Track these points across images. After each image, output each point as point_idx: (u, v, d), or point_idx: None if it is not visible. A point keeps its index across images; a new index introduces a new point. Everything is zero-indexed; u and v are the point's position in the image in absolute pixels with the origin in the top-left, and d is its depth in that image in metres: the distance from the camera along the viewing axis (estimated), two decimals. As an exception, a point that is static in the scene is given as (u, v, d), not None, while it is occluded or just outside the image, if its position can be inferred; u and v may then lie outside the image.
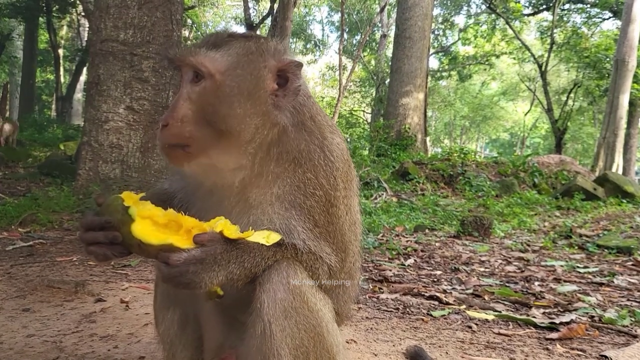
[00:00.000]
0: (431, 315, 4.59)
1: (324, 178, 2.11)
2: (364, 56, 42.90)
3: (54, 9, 27.55)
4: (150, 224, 1.88)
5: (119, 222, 1.89)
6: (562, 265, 6.92)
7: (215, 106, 2.02)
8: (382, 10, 35.59)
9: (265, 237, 1.96)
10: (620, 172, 24.41)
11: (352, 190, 2.30)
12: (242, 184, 2.11)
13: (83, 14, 25.98)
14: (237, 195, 2.13)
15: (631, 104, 27.89)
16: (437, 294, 5.21)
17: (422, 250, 7.80)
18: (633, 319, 4.51)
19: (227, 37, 2.11)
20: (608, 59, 32.36)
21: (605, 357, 3.55)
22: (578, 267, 6.84)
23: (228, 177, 2.11)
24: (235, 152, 2.06)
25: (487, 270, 6.68)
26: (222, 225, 1.89)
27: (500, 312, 4.70)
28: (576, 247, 8.44)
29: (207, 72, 2.02)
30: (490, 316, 4.56)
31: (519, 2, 37.63)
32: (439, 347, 3.75)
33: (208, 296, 1.92)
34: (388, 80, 28.53)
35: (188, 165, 2.08)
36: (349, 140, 24.42)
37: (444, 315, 4.59)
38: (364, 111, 44.75)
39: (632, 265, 6.99)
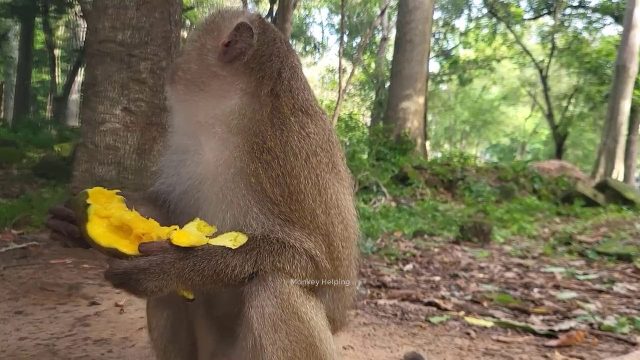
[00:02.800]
0: (429, 321, 4.57)
1: (271, 141, 2.04)
2: (364, 59, 42.88)
3: (51, 9, 27.45)
4: (105, 224, 1.92)
5: (78, 219, 1.95)
6: (561, 272, 6.90)
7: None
8: (382, 13, 35.56)
9: (232, 240, 1.91)
10: (620, 178, 24.42)
11: (329, 173, 2.16)
12: (208, 154, 2.14)
13: (81, 14, 25.91)
14: (208, 177, 2.11)
15: (632, 110, 27.88)
16: (436, 300, 5.19)
17: (421, 256, 7.78)
18: (632, 327, 4.48)
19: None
20: (609, 65, 32.40)
21: (605, 365, 3.52)
22: (577, 274, 6.82)
23: (197, 134, 2.19)
24: (199, 105, 2.19)
25: (486, 276, 6.65)
26: (178, 233, 1.87)
27: (499, 319, 4.68)
28: (576, 254, 8.41)
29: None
30: (489, 323, 4.54)
31: (519, 6, 37.74)
32: (437, 353, 3.72)
33: (179, 300, 1.92)
34: (388, 83, 28.52)
35: (173, 89, 2.28)
36: (347, 144, 24.34)
37: (443, 321, 4.57)
38: (363, 115, 44.75)
39: (632, 272, 6.96)
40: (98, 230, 1.90)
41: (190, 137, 2.22)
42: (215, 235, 1.93)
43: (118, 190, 2.09)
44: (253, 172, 2.00)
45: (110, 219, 1.92)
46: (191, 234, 1.88)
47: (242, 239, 1.91)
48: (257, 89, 2.15)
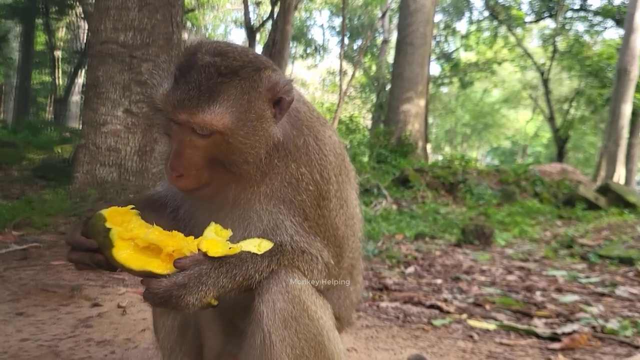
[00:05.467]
0: (432, 324, 4.56)
1: (317, 173, 2.10)
2: (365, 62, 42.88)
3: (52, 10, 27.42)
4: (131, 247, 1.88)
5: (101, 245, 1.90)
6: (563, 275, 6.88)
7: (228, 153, 1.99)
8: (383, 15, 35.65)
9: (256, 245, 1.93)
10: (622, 181, 24.37)
11: (347, 184, 2.27)
12: (236, 189, 2.11)
13: (82, 15, 25.89)
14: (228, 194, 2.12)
15: (633, 113, 27.84)
16: (438, 303, 5.18)
17: (422, 259, 7.77)
18: (635, 330, 4.47)
19: (217, 80, 1.94)
20: (610, 68, 32.36)
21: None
22: (579, 277, 6.80)
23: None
24: (244, 174, 2.06)
25: (488, 279, 6.64)
26: (208, 243, 1.87)
27: (501, 321, 4.67)
28: (578, 257, 8.39)
29: (216, 130, 1.95)
30: (491, 326, 4.53)
31: (521, 9, 37.73)
32: (441, 356, 3.71)
33: (202, 306, 1.89)
34: (389, 86, 28.50)
35: (203, 194, 2.08)
36: (348, 146, 24.30)
37: (445, 324, 4.56)
38: (364, 117, 44.65)
39: (634, 275, 6.94)
40: (125, 254, 1.87)
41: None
42: (231, 241, 1.94)
43: (132, 206, 2.05)
44: (299, 203, 2.07)
45: (135, 240, 1.89)
46: (220, 243, 1.89)
47: (266, 245, 1.94)
48: (286, 120, 2.17)
